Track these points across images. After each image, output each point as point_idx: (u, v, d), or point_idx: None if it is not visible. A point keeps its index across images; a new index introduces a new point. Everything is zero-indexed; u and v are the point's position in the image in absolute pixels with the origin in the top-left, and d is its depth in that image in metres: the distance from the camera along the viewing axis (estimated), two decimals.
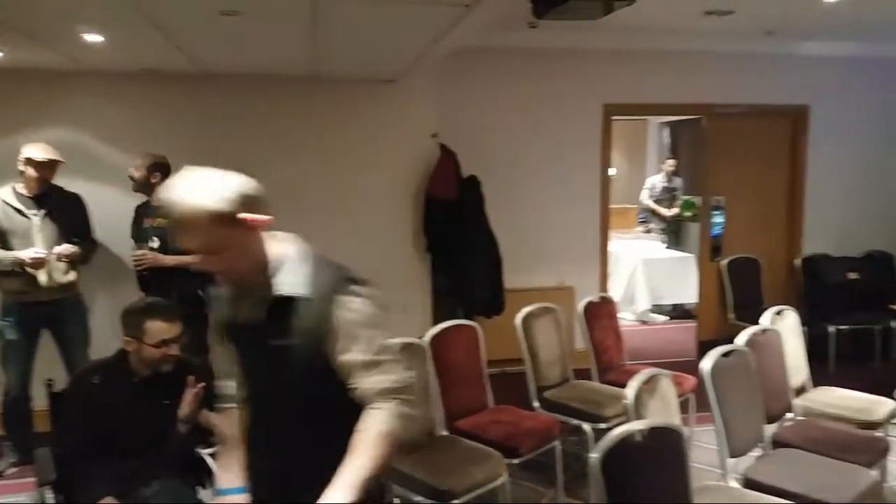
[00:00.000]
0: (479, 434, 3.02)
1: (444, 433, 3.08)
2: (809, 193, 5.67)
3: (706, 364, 2.74)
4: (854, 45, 5.34)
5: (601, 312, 3.95)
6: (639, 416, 2.39)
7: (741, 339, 3.10)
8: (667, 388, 2.66)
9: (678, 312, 6.89)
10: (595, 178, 5.28)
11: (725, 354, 2.84)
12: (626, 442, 2.04)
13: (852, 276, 5.50)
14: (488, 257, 4.62)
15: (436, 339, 3.14)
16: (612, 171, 8.36)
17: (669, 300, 6.92)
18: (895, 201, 5.77)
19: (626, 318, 6.80)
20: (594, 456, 1.97)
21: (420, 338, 3.11)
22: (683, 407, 3.53)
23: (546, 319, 3.65)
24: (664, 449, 2.16)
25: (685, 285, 6.58)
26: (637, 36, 4.87)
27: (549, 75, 5.08)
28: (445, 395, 3.10)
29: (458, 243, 4.50)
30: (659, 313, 6.97)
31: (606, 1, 2.97)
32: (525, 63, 5.01)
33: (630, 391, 2.48)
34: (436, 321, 3.34)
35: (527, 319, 3.56)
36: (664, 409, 2.58)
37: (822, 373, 3.86)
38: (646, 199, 7.62)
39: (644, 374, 2.57)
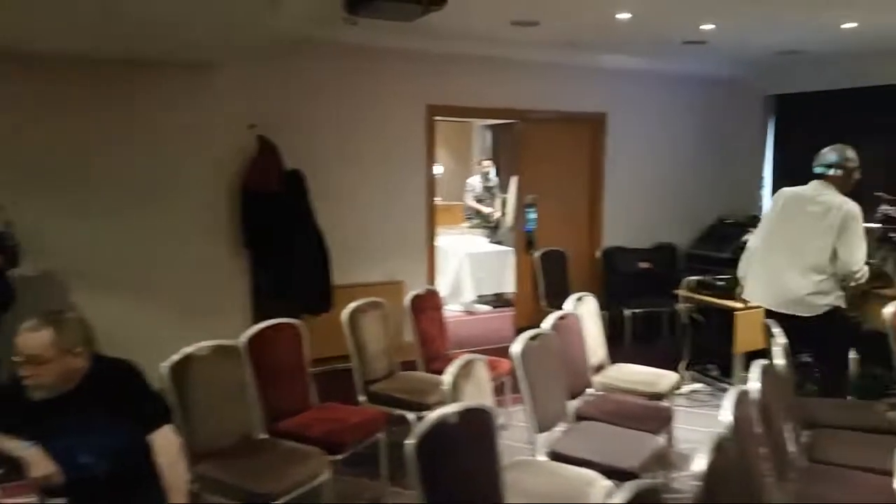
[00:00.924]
0: (301, 433, 2.97)
1: (264, 436, 2.99)
2: (608, 192, 6.28)
3: (516, 348, 2.94)
4: (644, 59, 6.00)
5: (427, 305, 4.07)
6: (456, 401, 2.50)
7: (547, 324, 3.36)
8: (481, 372, 2.80)
9: (500, 302, 7.30)
10: (421, 176, 5.42)
11: (533, 338, 3.07)
12: (440, 426, 2.12)
13: (643, 265, 6.20)
14: (314, 253, 4.54)
15: (254, 340, 3.04)
16: (438, 170, 8.72)
17: (492, 290, 7.31)
18: (678, 199, 6.59)
19: (453, 309, 7.08)
20: (410, 442, 2.03)
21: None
22: (501, 389, 3.78)
23: (373, 314, 3.68)
24: (476, 430, 2.28)
25: (505, 277, 7.00)
26: (457, 41, 5.07)
27: (374, 74, 5.12)
28: (265, 397, 3.01)
29: (282, 239, 4.37)
30: (483, 303, 7.33)
31: (421, 4, 3.02)
32: (351, 60, 5.00)
33: (447, 377, 2.58)
34: (258, 322, 3.22)
35: (353, 315, 3.56)
36: (479, 393, 2.72)
37: (619, 351, 4.29)
38: (469, 198, 8.10)
39: (461, 360, 2.69)
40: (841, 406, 3.40)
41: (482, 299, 7.32)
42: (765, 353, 3.13)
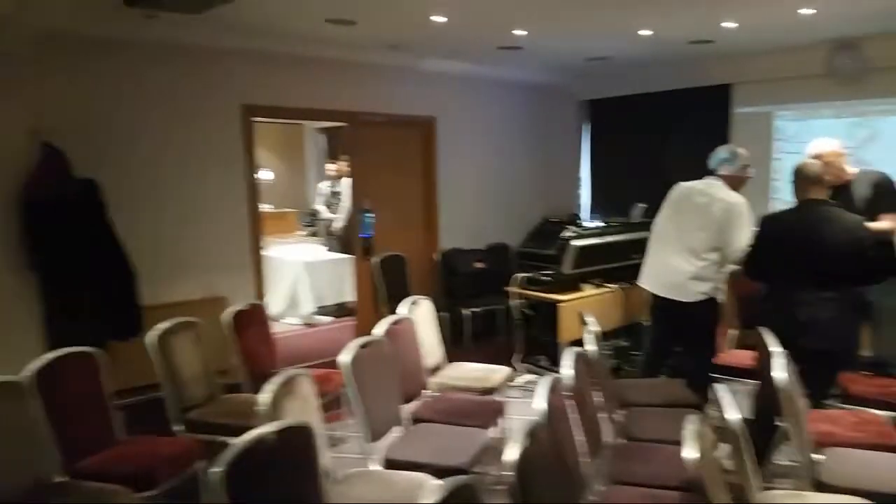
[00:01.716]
0: (106, 472, 2.66)
1: (62, 479, 2.64)
2: (442, 195, 6.38)
3: (345, 357, 2.85)
4: (468, 64, 6.18)
5: (252, 320, 3.84)
6: (276, 420, 2.35)
7: (379, 330, 3.31)
8: (306, 388, 2.68)
9: (343, 312, 7.15)
10: (241, 182, 5.10)
11: (364, 346, 3.00)
12: (254, 449, 1.98)
13: (479, 265, 6.38)
14: (114, 272, 4.10)
15: (42, 373, 2.67)
16: (267, 175, 8.39)
17: (333, 300, 7.14)
18: (508, 200, 6.87)
19: (291, 322, 6.82)
20: (216, 471, 1.86)
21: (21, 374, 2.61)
22: (337, 403, 3.66)
23: (186, 335, 3.39)
24: (296, 449, 2.17)
25: (346, 285, 6.86)
26: (272, 38, 4.86)
27: (182, 73, 4.74)
28: (61, 435, 2.65)
29: (72, 258, 3.89)
30: (324, 314, 7.13)
31: None
32: (155, 58, 4.58)
33: (264, 397, 2.43)
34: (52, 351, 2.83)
35: (164, 338, 3.26)
36: (304, 410, 2.60)
37: (460, 351, 4.36)
38: (320, 204, 7.86)
39: (280, 377, 2.55)
40: (653, 385, 3.67)
41: (323, 310, 7.12)
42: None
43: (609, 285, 5.19)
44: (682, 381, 3.77)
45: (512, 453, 1.74)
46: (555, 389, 2.36)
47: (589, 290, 5.09)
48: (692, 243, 3.70)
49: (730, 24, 4.58)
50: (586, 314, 3.47)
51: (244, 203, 5.12)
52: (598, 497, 2.37)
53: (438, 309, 4.31)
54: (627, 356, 5.14)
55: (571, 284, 5.03)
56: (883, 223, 3.51)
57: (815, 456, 2.61)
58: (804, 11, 4.17)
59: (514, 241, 6.82)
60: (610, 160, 7.23)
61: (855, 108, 5.31)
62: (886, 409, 3.17)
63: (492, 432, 3.23)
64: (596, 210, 7.21)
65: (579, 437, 2.49)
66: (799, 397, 2.63)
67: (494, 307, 5.96)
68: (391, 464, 2.79)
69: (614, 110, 7.06)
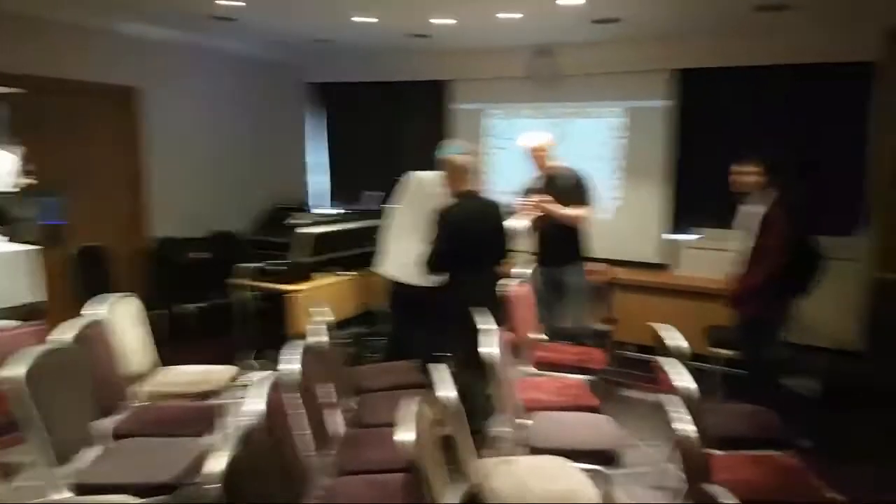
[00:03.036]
0: None
1: None
2: (153, 177, 5.65)
3: (16, 370, 2.32)
4: (180, 32, 5.57)
5: None
6: None
7: (65, 335, 2.79)
8: None
9: (32, 314, 5.98)
10: None
11: (45, 354, 2.48)
12: None
13: (199, 255, 5.78)
14: None
15: None
16: None
17: (15, 301, 5.93)
18: (233, 185, 6.38)
19: None
20: None
21: None
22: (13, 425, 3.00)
23: None
24: None
25: (32, 282, 5.74)
26: None
27: None
28: None
29: None
30: (5, 318, 5.90)
31: None
32: None
33: None
34: None
35: None
36: None
37: (181, 353, 3.89)
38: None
39: None
40: (387, 369, 3.68)
41: (3, 313, 5.88)
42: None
43: (344, 273, 5.13)
44: (417, 363, 3.87)
45: (216, 463, 1.54)
46: (276, 386, 2.19)
47: (323, 279, 4.98)
48: (423, 231, 3.82)
49: (439, 21, 4.80)
50: (320, 304, 3.35)
51: None
52: (324, 491, 2.26)
53: (152, 306, 3.84)
54: (367, 343, 5.15)
55: (304, 274, 4.87)
56: (573, 210, 4.05)
57: (523, 421, 2.85)
58: (503, 16, 4.54)
59: (243, 228, 6.38)
60: (346, 147, 7.21)
61: (550, 110, 6.02)
62: (581, 374, 3.63)
63: (209, 440, 2.92)
64: (337, 197, 7.14)
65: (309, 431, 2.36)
66: (507, 369, 2.83)
67: (223, 301, 5.50)
68: (84, 488, 2.39)
69: (348, 96, 7.05)
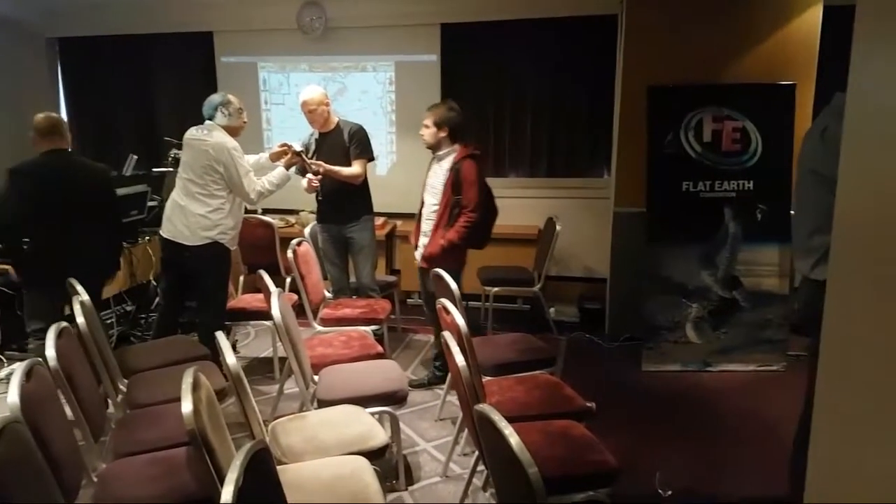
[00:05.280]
0: None
1: None
2: None
3: None
4: None
5: None
6: None
7: None
8: None
9: None
10: None
11: None
12: None
13: None
14: None
15: None
16: None
17: None
18: None
19: None
20: None
21: None
22: None
23: None
24: None
25: None
26: None
27: None
28: None
29: None
30: None
31: None
32: None
33: None
34: None
35: None
36: None
37: None
38: None
39: None
40: (160, 346, 3.47)
41: None
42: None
43: None
44: (193, 336, 3.71)
45: None
46: (31, 376, 1.99)
47: None
48: (198, 188, 3.64)
49: None
50: (74, 283, 3.03)
51: None
52: (99, 477, 2.13)
53: None
54: (136, 321, 4.79)
55: None
56: (349, 170, 4.09)
57: (315, 377, 2.91)
58: None
59: None
60: (97, 109, 6.44)
61: (326, 64, 5.94)
62: (368, 325, 3.76)
63: None
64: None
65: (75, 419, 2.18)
66: (294, 329, 2.86)
67: None
68: None
69: (97, 52, 6.27)
